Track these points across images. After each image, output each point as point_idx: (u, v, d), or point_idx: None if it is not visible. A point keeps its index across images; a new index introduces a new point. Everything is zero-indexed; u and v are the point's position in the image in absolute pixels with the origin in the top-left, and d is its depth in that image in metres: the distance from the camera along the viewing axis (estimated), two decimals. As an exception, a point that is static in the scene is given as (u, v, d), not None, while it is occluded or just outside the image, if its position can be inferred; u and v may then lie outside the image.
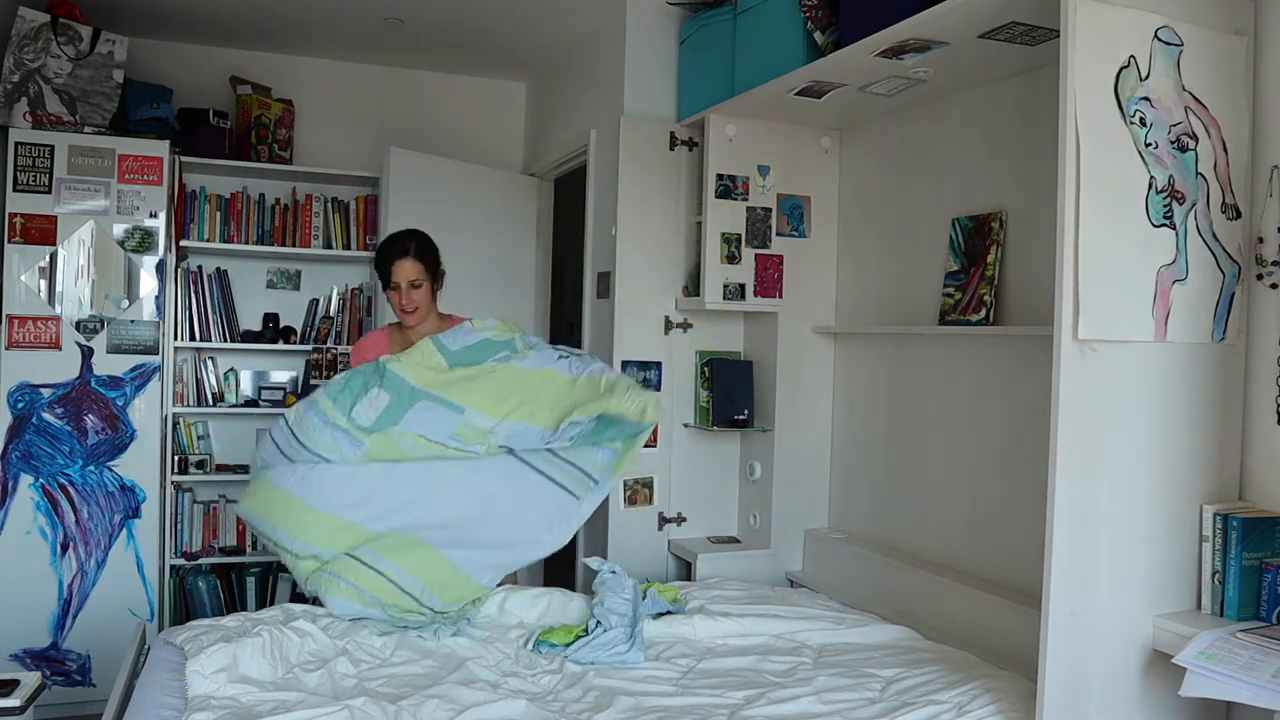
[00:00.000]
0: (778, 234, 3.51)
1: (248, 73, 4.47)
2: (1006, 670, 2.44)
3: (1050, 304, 1.95)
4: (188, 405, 4.26)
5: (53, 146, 3.67)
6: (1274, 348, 2.09)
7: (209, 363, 4.36)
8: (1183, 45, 2.04)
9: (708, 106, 3.43)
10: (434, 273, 2.93)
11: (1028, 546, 2.51)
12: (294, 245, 4.41)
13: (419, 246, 2.89)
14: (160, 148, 3.84)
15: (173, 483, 4.09)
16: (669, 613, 2.80)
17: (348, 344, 4.51)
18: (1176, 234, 2.03)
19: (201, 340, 4.29)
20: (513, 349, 2.78)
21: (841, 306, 3.58)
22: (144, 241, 3.81)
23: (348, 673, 2.39)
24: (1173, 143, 2.03)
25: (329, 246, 4.46)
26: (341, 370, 4.41)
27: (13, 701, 2.52)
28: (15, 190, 3.63)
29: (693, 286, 3.58)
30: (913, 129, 3.21)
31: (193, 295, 4.29)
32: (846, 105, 3.23)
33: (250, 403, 4.42)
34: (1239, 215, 2.11)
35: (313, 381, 4.15)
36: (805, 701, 2.27)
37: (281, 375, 4.56)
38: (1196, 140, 2.06)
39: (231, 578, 4.29)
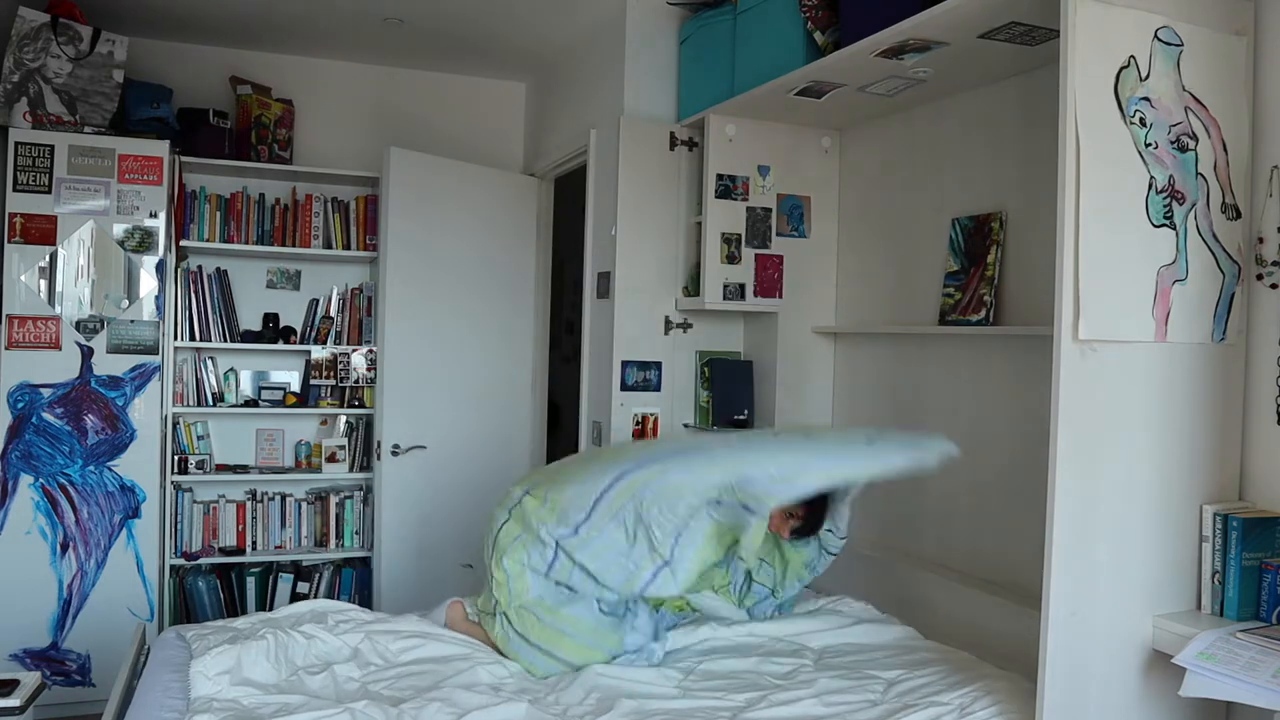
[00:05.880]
0: (778, 234, 3.51)
1: (248, 73, 4.47)
2: (1007, 670, 2.44)
3: (1050, 304, 1.95)
4: (188, 405, 4.26)
5: (53, 146, 3.67)
6: (1274, 348, 2.09)
7: (209, 363, 4.36)
8: (1183, 45, 2.04)
9: (708, 106, 3.43)
10: None
11: (1028, 546, 2.51)
12: (294, 245, 4.41)
13: None
14: (160, 148, 3.84)
15: (172, 483, 4.09)
16: (677, 625, 2.77)
17: (348, 344, 4.52)
18: (1176, 234, 2.04)
19: (201, 340, 4.29)
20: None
21: (841, 306, 3.58)
22: (144, 241, 3.81)
23: (351, 675, 2.39)
24: (1173, 143, 2.03)
25: (329, 246, 4.46)
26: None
27: (13, 701, 2.52)
28: (15, 190, 3.63)
29: (693, 286, 3.58)
30: (913, 129, 3.21)
31: (193, 295, 4.29)
32: (846, 105, 3.23)
33: (250, 403, 4.42)
34: (1239, 215, 2.11)
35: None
36: (807, 704, 2.27)
37: (281, 375, 4.56)
38: (1196, 140, 2.06)
39: (231, 578, 4.29)
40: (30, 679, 2.64)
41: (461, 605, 2.78)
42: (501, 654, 2.57)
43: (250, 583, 4.28)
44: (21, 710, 2.52)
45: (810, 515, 2.71)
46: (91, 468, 3.73)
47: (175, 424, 4.18)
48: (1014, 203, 2.80)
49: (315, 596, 4.37)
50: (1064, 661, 1.93)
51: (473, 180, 4.38)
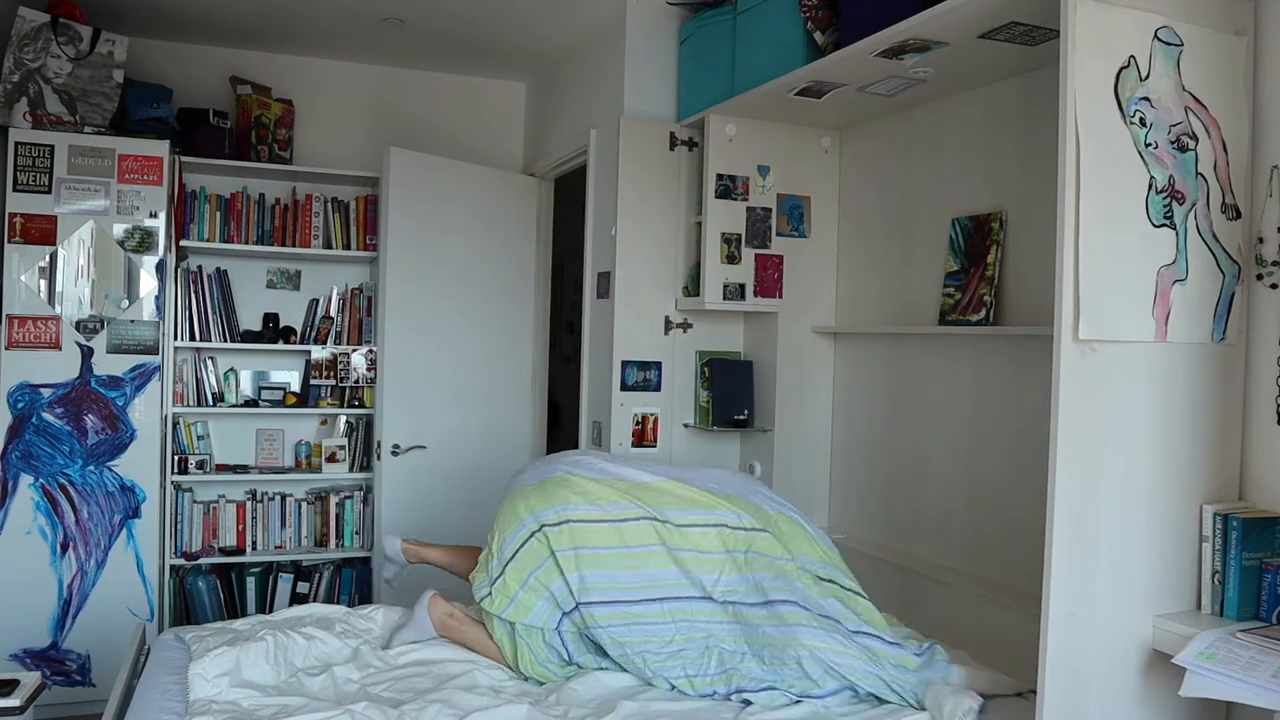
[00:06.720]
0: (778, 234, 3.51)
1: (248, 73, 4.47)
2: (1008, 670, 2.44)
3: (1050, 304, 1.95)
4: (188, 405, 4.26)
5: (53, 146, 3.67)
6: (1274, 348, 2.09)
7: (209, 363, 4.36)
8: (1183, 45, 2.04)
9: (708, 106, 3.43)
10: None
11: (1027, 546, 2.51)
12: (294, 245, 4.41)
13: None
14: (160, 148, 3.84)
15: (172, 483, 4.09)
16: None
17: (348, 344, 4.52)
18: (1176, 234, 2.03)
19: (201, 340, 4.29)
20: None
21: (841, 306, 3.58)
22: (144, 241, 3.81)
23: (351, 677, 2.40)
24: (1173, 143, 2.03)
25: (329, 246, 4.46)
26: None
27: (13, 701, 2.52)
28: (15, 190, 3.63)
29: (693, 286, 3.58)
30: (913, 129, 3.21)
31: (193, 295, 4.29)
32: (846, 105, 3.23)
33: (250, 403, 4.42)
34: (1239, 215, 2.11)
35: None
36: (811, 704, 2.27)
37: (281, 375, 4.56)
38: (1196, 140, 2.06)
39: (231, 578, 4.29)
40: (30, 679, 2.64)
41: (440, 599, 2.70)
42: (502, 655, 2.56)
43: (250, 583, 4.28)
44: (21, 710, 2.52)
45: None
46: (91, 468, 3.73)
47: (175, 424, 4.18)
48: (1014, 203, 2.80)
49: (315, 597, 4.37)
50: (1064, 661, 1.93)
51: (473, 180, 4.38)
